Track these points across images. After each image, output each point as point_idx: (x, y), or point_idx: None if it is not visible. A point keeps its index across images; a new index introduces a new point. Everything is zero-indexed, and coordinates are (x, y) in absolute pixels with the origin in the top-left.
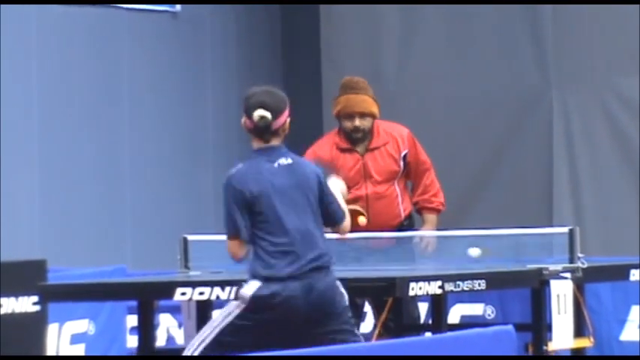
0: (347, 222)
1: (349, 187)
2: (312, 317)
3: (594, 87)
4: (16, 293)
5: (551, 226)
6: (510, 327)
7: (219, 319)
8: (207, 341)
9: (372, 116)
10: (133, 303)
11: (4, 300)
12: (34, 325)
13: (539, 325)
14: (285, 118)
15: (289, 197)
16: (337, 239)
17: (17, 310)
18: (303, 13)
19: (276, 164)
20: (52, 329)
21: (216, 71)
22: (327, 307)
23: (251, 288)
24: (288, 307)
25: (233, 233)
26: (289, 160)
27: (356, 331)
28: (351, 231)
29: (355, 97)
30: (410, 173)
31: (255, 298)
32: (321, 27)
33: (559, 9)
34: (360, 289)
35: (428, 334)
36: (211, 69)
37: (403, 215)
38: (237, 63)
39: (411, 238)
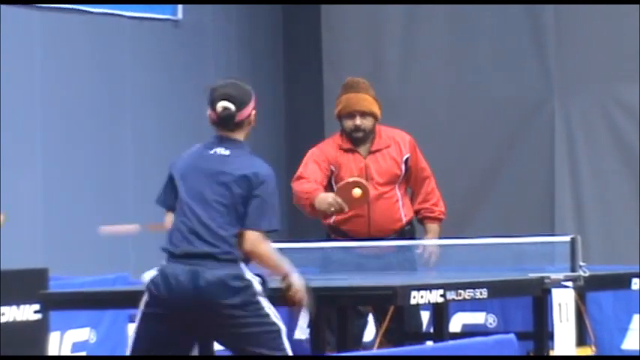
0: (262, 243)
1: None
2: (200, 306)
3: (596, 94)
4: (18, 301)
5: (553, 234)
6: (512, 335)
7: (138, 312)
8: (133, 335)
9: (373, 116)
10: (135, 311)
11: (6, 308)
12: (36, 333)
13: (540, 333)
14: (249, 110)
15: (205, 184)
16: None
17: (19, 319)
18: (304, 18)
19: (212, 151)
20: (53, 337)
21: (218, 78)
22: (215, 299)
23: (150, 273)
24: (174, 290)
25: (157, 200)
26: (227, 152)
27: (272, 327)
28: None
29: (356, 96)
30: (410, 179)
31: (150, 282)
32: (322, 32)
33: (561, 16)
34: (361, 297)
35: (429, 343)
36: (214, 75)
37: (405, 220)
38: (239, 69)
39: (411, 246)
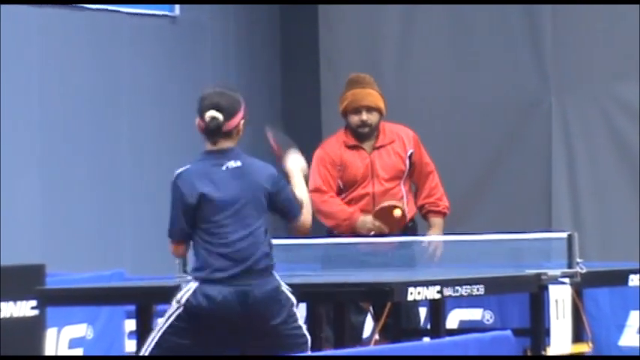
0: (305, 217)
1: (357, 185)
2: (248, 325)
3: (593, 92)
4: (15, 297)
5: (550, 231)
6: (509, 332)
7: (162, 320)
8: (153, 343)
9: (379, 111)
10: (132, 307)
11: (3, 304)
12: (33, 329)
13: (537, 330)
14: (238, 119)
15: (233, 201)
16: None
17: (16, 315)
18: (302, 16)
19: (224, 167)
20: (50, 334)
21: (216, 75)
22: (264, 316)
23: (187, 291)
24: (222, 313)
25: (170, 233)
26: (238, 163)
27: (302, 340)
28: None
29: (362, 92)
30: (414, 174)
31: (188, 302)
32: (320, 30)
33: (558, 14)
34: (358, 293)
35: (426, 339)
36: (211, 73)
37: (408, 216)
38: (236, 66)
39: (413, 241)
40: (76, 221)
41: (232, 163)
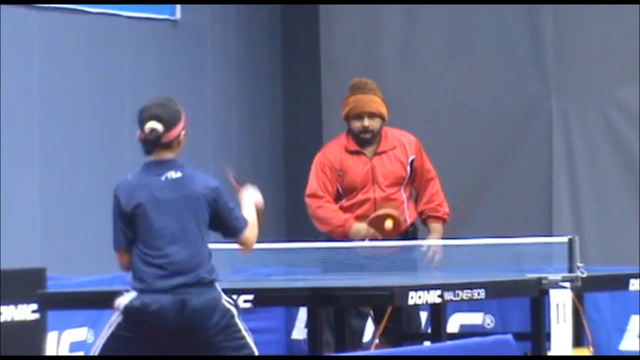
0: (250, 234)
1: (357, 191)
2: (186, 334)
3: (594, 96)
4: (16, 301)
5: (551, 235)
6: (509, 336)
7: (105, 328)
8: (98, 351)
9: (381, 117)
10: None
11: (4, 308)
12: (33, 333)
13: (538, 334)
14: (178, 130)
15: (170, 211)
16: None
17: (16, 318)
18: (303, 19)
19: (163, 177)
20: (51, 337)
21: (216, 79)
22: (201, 326)
23: (125, 298)
24: (158, 322)
25: (115, 243)
26: (178, 174)
27: (247, 351)
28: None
29: (364, 97)
30: (415, 180)
31: (127, 310)
32: (320, 33)
33: (559, 17)
34: (359, 297)
35: (427, 344)
36: (212, 77)
37: (409, 221)
38: (237, 70)
39: (413, 246)
40: (77, 224)
41: (172, 174)
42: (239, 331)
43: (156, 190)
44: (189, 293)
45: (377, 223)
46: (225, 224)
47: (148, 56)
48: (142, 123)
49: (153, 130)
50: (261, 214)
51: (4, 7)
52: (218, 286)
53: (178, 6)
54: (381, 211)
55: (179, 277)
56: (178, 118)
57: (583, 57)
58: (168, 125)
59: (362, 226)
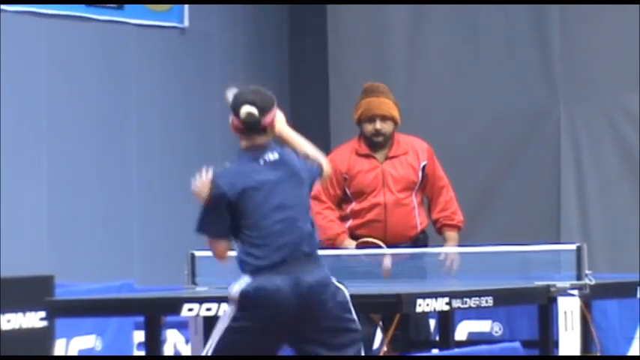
0: (326, 167)
1: (367, 194)
2: (302, 312)
3: (602, 102)
4: (24, 308)
5: (559, 242)
6: (517, 344)
7: (218, 325)
8: (211, 349)
9: (393, 120)
10: (140, 319)
11: (12, 315)
12: (42, 340)
13: (546, 341)
14: (272, 115)
15: (274, 193)
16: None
17: (24, 326)
18: (310, 26)
19: (261, 161)
20: (59, 345)
21: (224, 85)
22: (317, 302)
23: (238, 286)
24: (276, 302)
25: (211, 232)
26: (275, 156)
27: (354, 328)
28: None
29: (376, 100)
30: (427, 187)
31: (242, 296)
32: (328, 40)
33: (567, 24)
34: (367, 304)
35: (435, 351)
36: (219, 84)
37: (419, 228)
38: (245, 76)
39: (422, 253)
40: (85, 232)
41: (270, 156)
42: (350, 311)
43: (257, 175)
44: (302, 270)
45: (364, 247)
46: (315, 178)
47: (156, 63)
48: (236, 109)
49: (250, 114)
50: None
51: (12, 14)
52: (327, 270)
53: (186, 13)
54: (370, 239)
55: (289, 254)
56: (272, 103)
57: (590, 64)
58: (264, 110)
59: (350, 246)
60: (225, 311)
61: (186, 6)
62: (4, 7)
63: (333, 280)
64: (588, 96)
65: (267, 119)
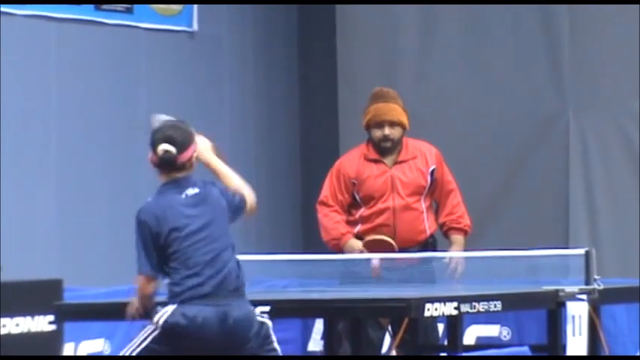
0: (249, 200)
1: (376, 199)
2: (225, 345)
3: (611, 108)
4: (32, 312)
5: (567, 247)
6: (526, 348)
7: (136, 341)
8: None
9: (402, 126)
10: (149, 323)
11: (21, 319)
12: (50, 344)
13: (554, 346)
14: (191, 152)
15: (200, 227)
16: None
17: (33, 330)
18: (319, 30)
19: (183, 195)
20: (67, 349)
21: (233, 90)
22: (242, 337)
23: (165, 313)
24: (201, 334)
25: (141, 269)
26: (196, 190)
27: (275, 356)
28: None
29: (385, 106)
30: (435, 191)
31: (167, 324)
32: (337, 44)
33: (576, 30)
34: (376, 309)
35: (444, 355)
36: (229, 88)
37: (428, 232)
38: (254, 80)
39: (431, 258)
40: (94, 236)
41: (191, 190)
42: (272, 342)
43: (181, 208)
44: (229, 305)
45: (373, 246)
46: (236, 211)
47: (165, 68)
48: (154, 145)
49: (167, 151)
50: (219, 153)
51: (22, 18)
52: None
53: (195, 17)
54: (379, 236)
55: (214, 285)
56: (191, 139)
57: (600, 70)
58: (181, 147)
59: (357, 245)
60: (147, 328)
61: (195, 10)
62: (14, 10)
63: (257, 315)
64: (597, 101)
65: (184, 156)
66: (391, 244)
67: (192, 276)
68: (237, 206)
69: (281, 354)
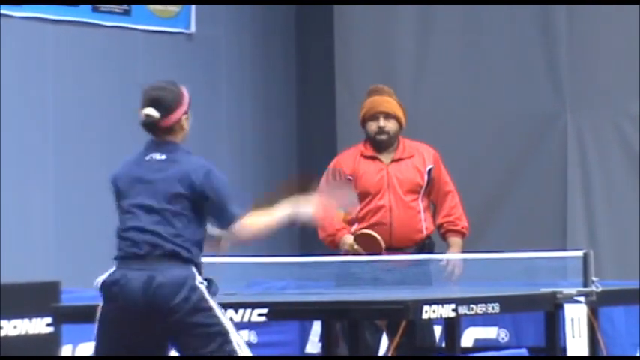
0: (242, 230)
1: (372, 196)
2: (149, 311)
3: (609, 109)
4: (30, 314)
5: (565, 249)
6: (524, 350)
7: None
8: (94, 348)
9: (397, 119)
10: None
11: (18, 321)
12: (48, 346)
13: (552, 348)
14: (178, 115)
15: (143, 191)
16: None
17: (31, 332)
18: (317, 31)
19: (148, 157)
20: (65, 350)
21: (231, 91)
22: (165, 302)
23: (102, 276)
24: (124, 295)
25: None
26: (163, 157)
27: (214, 332)
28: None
29: (380, 98)
30: (432, 192)
31: (101, 285)
32: (335, 46)
33: (574, 31)
34: (373, 311)
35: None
36: (226, 89)
37: (425, 232)
38: (252, 82)
39: (428, 259)
40: (92, 237)
41: (157, 156)
42: (209, 310)
43: (136, 169)
44: (156, 269)
45: (363, 240)
46: (212, 212)
47: (163, 69)
48: (141, 106)
49: (148, 115)
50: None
51: (19, 20)
52: (195, 269)
53: (193, 19)
54: (368, 231)
55: (150, 251)
56: (178, 102)
57: (597, 71)
58: (167, 111)
59: (348, 240)
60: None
61: (193, 12)
62: (11, 12)
63: (196, 281)
64: (595, 102)
65: (169, 119)
66: (379, 244)
67: (124, 239)
68: (216, 205)
69: (223, 322)
